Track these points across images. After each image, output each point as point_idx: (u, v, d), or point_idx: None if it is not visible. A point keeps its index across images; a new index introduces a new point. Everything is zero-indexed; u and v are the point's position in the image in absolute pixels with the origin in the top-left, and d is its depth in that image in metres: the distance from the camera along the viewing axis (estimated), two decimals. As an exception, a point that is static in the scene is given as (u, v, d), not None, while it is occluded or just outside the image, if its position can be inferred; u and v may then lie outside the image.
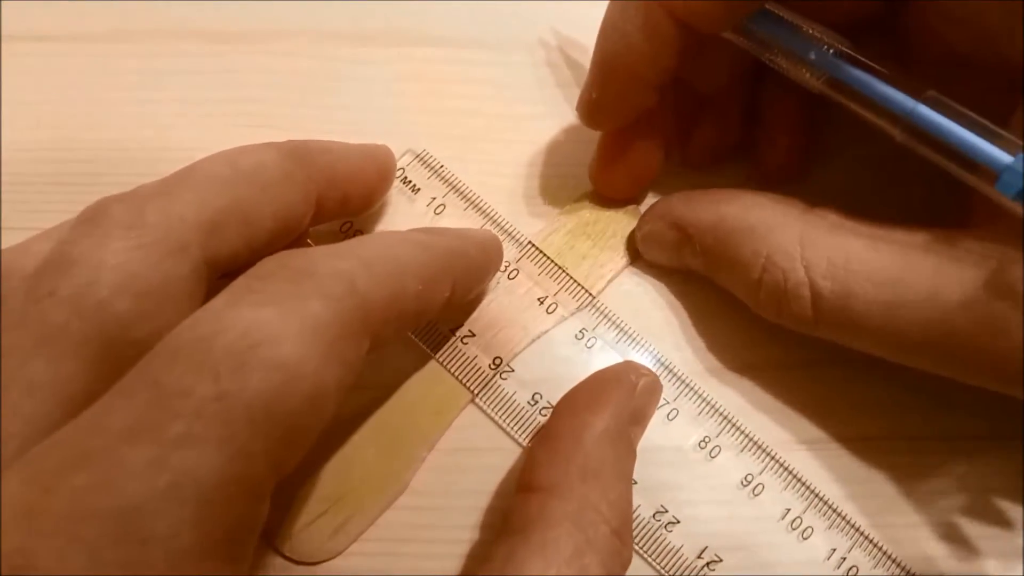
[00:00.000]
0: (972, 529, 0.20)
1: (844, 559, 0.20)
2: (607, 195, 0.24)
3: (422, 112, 0.25)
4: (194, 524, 0.12)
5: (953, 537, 0.20)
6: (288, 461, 0.14)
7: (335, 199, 0.20)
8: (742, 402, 0.22)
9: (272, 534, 0.19)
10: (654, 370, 0.21)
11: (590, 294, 0.22)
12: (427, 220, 0.23)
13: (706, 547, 0.20)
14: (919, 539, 0.20)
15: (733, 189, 0.22)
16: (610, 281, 0.23)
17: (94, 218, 0.16)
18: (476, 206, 0.23)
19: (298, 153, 0.19)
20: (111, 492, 0.12)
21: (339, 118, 0.25)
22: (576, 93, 0.25)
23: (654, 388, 0.20)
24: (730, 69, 0.23)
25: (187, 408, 0.13)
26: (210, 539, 0.13)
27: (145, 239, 0.16)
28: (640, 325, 0.22)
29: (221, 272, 0.17)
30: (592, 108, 0.21)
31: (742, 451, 0.21)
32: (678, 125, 0.24)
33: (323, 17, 0.26)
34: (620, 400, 0.19)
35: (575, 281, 0.22)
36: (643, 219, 0.23)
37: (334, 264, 0.15)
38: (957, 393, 0.21)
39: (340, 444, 0.20)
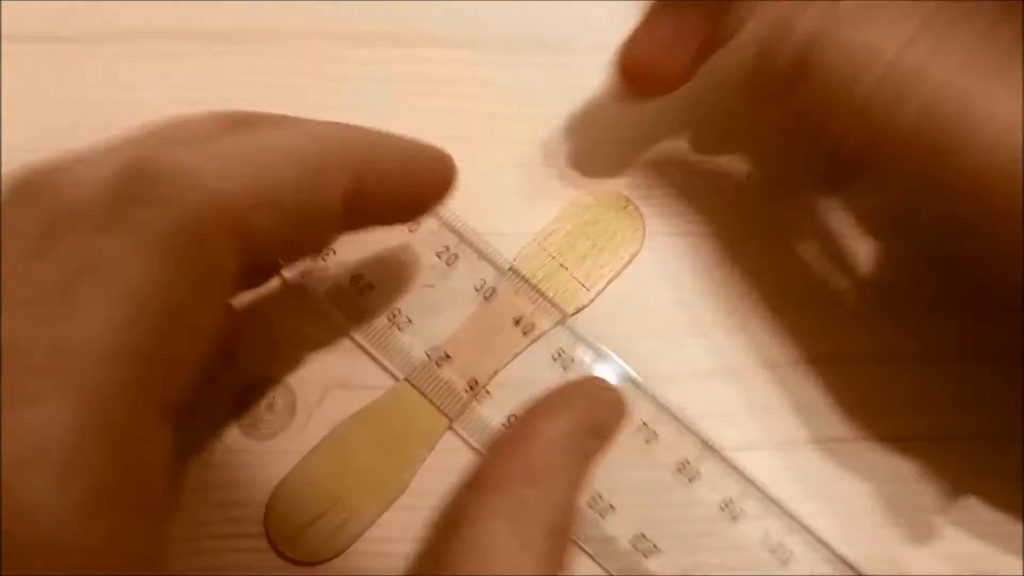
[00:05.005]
0: (971, 529, 0.20)
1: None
2: (634, 78, 0.21)
3: (422, 112, 0.25)
4: (59, 485, 0.12)
5: (951, 537, 0.20)
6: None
7: (386, 190, 0.18)
8: (737, 403, 0.22)
9: (272, 534, 0.19)
10: (626, 387, 0.20)
11: (564, 314, 0.22)
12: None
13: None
14: (914, 539, 0.20)
15: None
16: (610, 281, 0.23)
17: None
18: (453, 230, 0.22)
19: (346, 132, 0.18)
20: None
21: (340, 118, 0.24)
22: (577, 94, 0.25)
23: (618, 404, 0.19)
24: None
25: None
26: (80, 498, 0.12)
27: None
28: (639, 325, 0.22)
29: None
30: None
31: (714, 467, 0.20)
32: None
33: (323, 17, 0.26)
34: (579, 409, 0.18)
35: (550, 301, 0.22)
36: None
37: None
38: (955, 392, 0.21)
39: (340, 444, 0.20)
